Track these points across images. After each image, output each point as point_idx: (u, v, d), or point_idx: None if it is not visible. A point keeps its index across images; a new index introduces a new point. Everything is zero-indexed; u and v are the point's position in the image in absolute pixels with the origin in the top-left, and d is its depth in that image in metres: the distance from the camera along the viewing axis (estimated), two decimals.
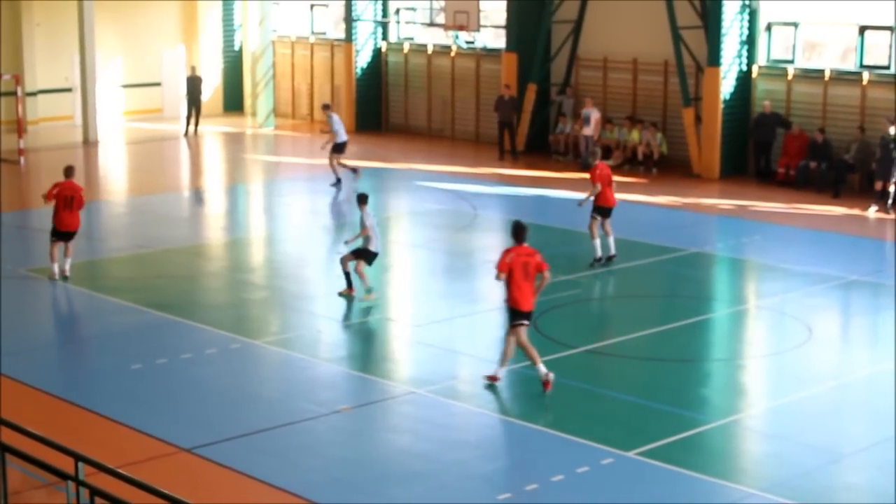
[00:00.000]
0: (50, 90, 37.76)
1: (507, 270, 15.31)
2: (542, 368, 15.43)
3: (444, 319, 18.76)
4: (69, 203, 20.41)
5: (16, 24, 36.74)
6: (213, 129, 38.09)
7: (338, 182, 29.00)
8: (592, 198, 21.49)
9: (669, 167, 30.97)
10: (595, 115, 31.55)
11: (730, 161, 30.05)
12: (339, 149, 29.17)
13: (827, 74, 28.77)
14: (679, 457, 13.43)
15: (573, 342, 17.60)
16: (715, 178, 29.83)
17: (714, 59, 29.48)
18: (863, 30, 28.33)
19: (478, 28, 32.96)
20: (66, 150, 33.69)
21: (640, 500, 12.47)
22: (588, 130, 31.61)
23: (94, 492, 9.26)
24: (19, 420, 10.95)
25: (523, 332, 15.49)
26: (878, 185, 26.50)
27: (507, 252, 15.50)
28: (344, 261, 19.26)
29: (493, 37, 35.39)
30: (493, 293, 19.78)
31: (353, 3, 36.86)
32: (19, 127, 32.59)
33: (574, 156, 32.27)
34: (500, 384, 15.70)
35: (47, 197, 20.62)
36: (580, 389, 15.84)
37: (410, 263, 22.70)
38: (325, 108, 30.27)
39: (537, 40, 33.18)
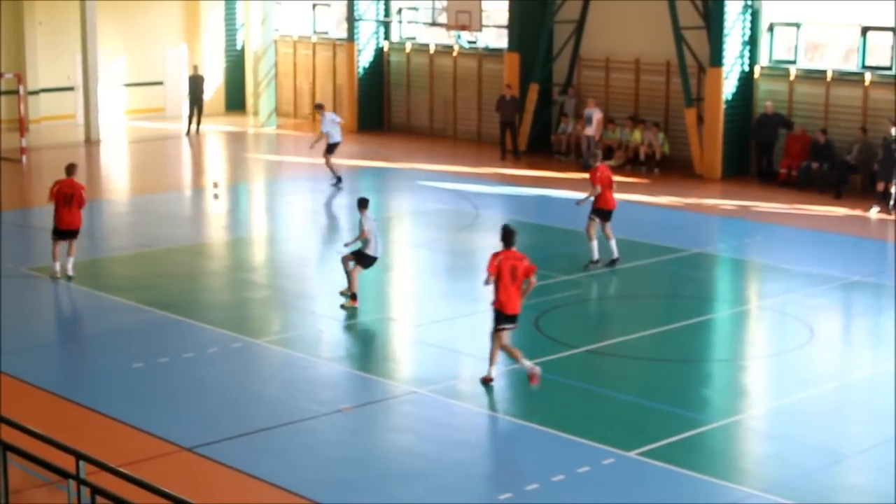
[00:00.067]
0: (52, 89, 37.77)
1: (496, 273, 15.36)
2: (527, 363, 15.51)
3: (446, 319, 18.76)
4: (68, 201, 20.38)
5: (18, 22, 36.75)
6: (215, 129, 38.09)
7: (338, 181, 29.01)
8: (592, 199, 21.41)
9: (671, 167, 30.96)
10: (597, 115, 31.54)
11: (732, 161, 30.05)
12: (329, 149, 29.22)
13: (829, 75, 28.76)
14: (680, 457, 13.42)
15: (574, 342, 17.60)
16: (717, 178, 29.82)
17: (716, 59, 29.48)
18: (865, 30, 28.32)
19: (480, 28, 32.94)
20: (67, 149, 33.70)
21: (641, 501, 12.47)
22: (590, 130, 31.61)
23: (96, 490, 9.27)
24: (20, 418, 10.95)
25: (506, 336, 15.57)
26: (880, 186, 26.48)
27: (495, 255, 15.57)
28: (345, 260, 19.25)
29: (495, 37, 35.38)
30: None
31: (355, 2, 36.86)
32: (21, 126, 32.60)
33: (576, 156, 32.27)
34: (500, 384, 15.70)
35: (49, 196, 20.65)
36: (581, 389, 15.84)
37: (412, 263, 22.70)
38: (318, 107, 30.34)
39: (539, 40, 33.17)
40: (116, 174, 32.22)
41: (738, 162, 30.21)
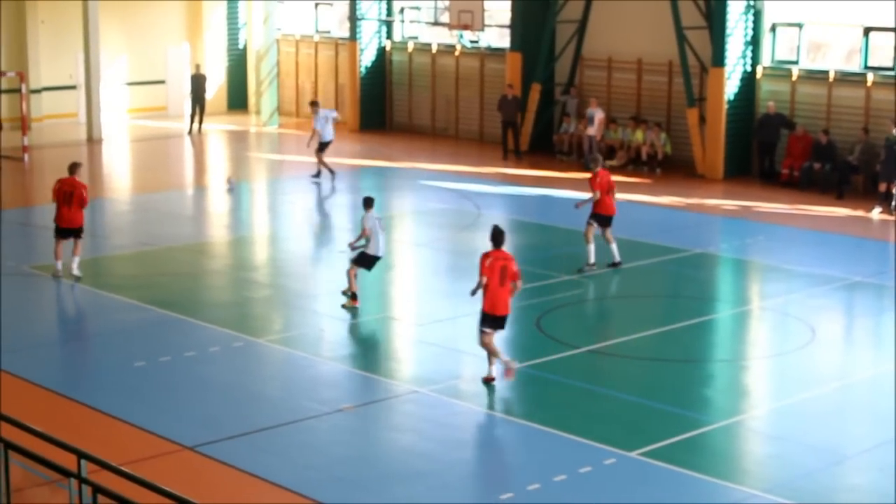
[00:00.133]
0: (54, 87, 37.79)
1: (489, 274, 15.40)
2: (504, 357, 15.62)
3: (447, 318, 18.75)
4: (68, 199, 20.36)
5: (20, 21, 36.77)
6: (217, 128, 38.10)
7: (318, 175, 29.38)
8: (591, 203, 21.29)
9: (673, 167, 30.96)
10: (599, 115, 31.54)
11: (733, 162, 30.04)
12: (320, 147, 29.39)
13: (831, 75, 28.75)
14: (681, 457, 13.42)
15: (576, 342, 17.60)
16: (719, 178, 29.82)
17: (718, 59, 29.47)
18: (867, 31, 28.32)
19: (482, 27, 32.93)
20: (70, 148, 33.71)
21: (643, 501, 12.47)
22: (592, 130, 31.61)
23: (97, 489, 9.27)
24: (22, 417, 10.96)
25: (488, 337, 15.60)
26: (882, 187, 26.48)
27: (485, 256, 15.63)
28: (350, 273, 19.15)
29: (497, 36, 35.38)
30: None
31: (357, 1, 36.85)
32: (23, 124, 32.61)
33: (578, 156, 32.26)
34: (501, 384, 15.71)
35: (52, 195, 20.71)
36: (583, 389, 15.84)
37: (414, 262, 22.71)
38: (312, 105, 30.43)
39: (541, 40, 33.17)
40: (118, 173, 32.23)
41: (739, 162, 30.20)
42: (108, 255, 22.78)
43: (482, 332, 15.64)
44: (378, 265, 19.29)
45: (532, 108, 33.27)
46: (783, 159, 29.30)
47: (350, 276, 18.99)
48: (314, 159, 29.97)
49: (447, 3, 33.33)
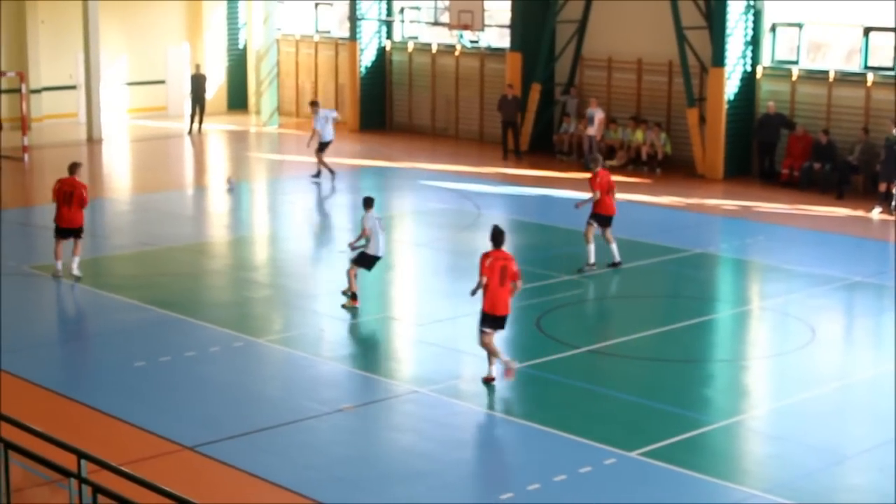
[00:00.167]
0: (54, 87, 37.79)
1: (489, 274, 15.42)
2: (504, 357, 15.62)
3: (447, 318, 18.75)
4: (68, 199, 20.38)
5: (20, 21, 36.77)
6: (217, 128, 38.10)
7: (317, 175, 29.49)
8: (591, 203, 21.26)
9: (673, 167, 30.96)
10: (599, 115, 31.54)
11: (733, 162, 30.04)
12: (321, 147, 29.47)
13: (831, 75, 28.75)
14: (682, 457, 13.42)
15: (576, 342, 17.60)
16: (719, 178, 29.82)
17: (718, 59, 29.47)
18: (867, 31, 28.32)
19: (482, 27, 32.93)
20: (70, 148, 33.71)
21: (643, 501, 12.47)
22: (592, 130, 31.61)
23: (97, 489, 9.27)
24: (22, 417, 10.96)
25: (488, 337, 15.63)
26: (882, 187, 26.48)
27: (485, 256, 15.65)
28: (350, 273, 19.16)
29: (497, 36, 35.38)
30: None
31: (357, 1, 36.85)
32: (23, 124, 32.61)
33: (578, 156, 32.26)
34: (501, 384, 15.71)
35: (52, 195, 20.73)
36: (583, 389, 15.84)
37: (414, 262, 22.71)
38: (312, 105, 30.47)
39: (542, 40, 33.17)
40: (118, 173, 32.23)
41: (739, 162, 30.20)
42: (108, 255, 22.78)
43: (482, 332, 15.65)
44: (378, 265, 19.28)
45: (532, 108, 33.27)
46: (783, 159, 29.30)
47: (350, 277, 18.99)
48: (314, 159, 29.99)
49: (447, 3, 33.33)
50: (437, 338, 17.77)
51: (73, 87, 38.08)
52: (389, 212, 25.95)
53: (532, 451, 13.86)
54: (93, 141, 35.12)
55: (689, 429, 14.32)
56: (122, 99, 39.35)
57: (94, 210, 24.45)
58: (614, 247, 21.32)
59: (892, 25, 27.61)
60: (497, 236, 15.74)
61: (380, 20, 37.34)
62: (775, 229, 24.86)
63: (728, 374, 16.80)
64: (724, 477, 13.03)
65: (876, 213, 26.17)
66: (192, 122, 37.28)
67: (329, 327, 18.44)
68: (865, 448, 13.89)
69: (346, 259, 19.30)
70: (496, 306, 15.55)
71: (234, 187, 28.72)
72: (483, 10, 32.60)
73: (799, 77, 29.36)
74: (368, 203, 18.99)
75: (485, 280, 15.47)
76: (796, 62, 29.58)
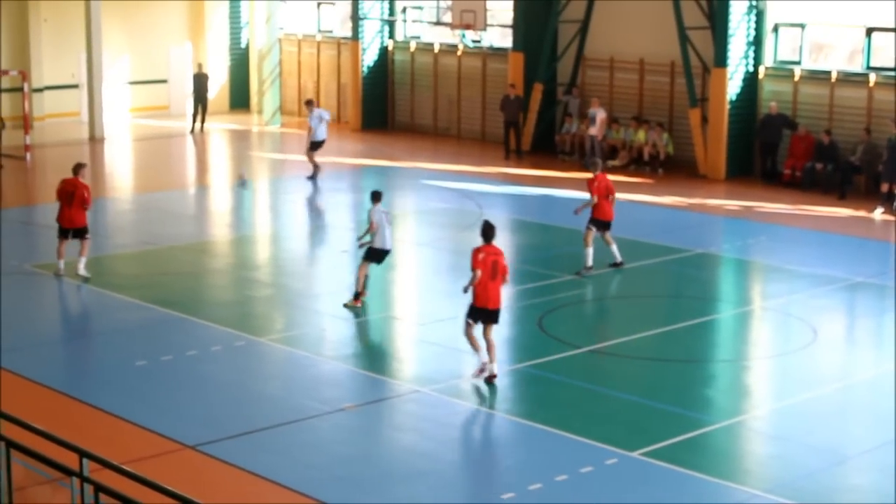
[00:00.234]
0: (56, 86, 37.79)
1: (483, 268, 15.51)
2: (484, 356, 15.68)
3: (449, 318, 18.72)
4: (70, 199, 20.47)
5: (23, 20, 36.78)
6: (220, 127, 38.11)
7: (314, 175, 29.58)
8: (589, 207, 21.21)
9: (675, 168, 30.95)
10: (600, 114, 31.53)
11: (736, 162, 30.03)
12: (313, 146, 29.52)
13: (833, 76, 28.74)
14: (683, 457, 13.42)
15: (578, 342, 17.60)
16: (721, 178, 29.81)
17: (721, 59, 29.46)
18: (870, 31, 28.30)
19: (484, 27, 32.94)
20: (72, 147, 33.72)
21: (644, 501, 12.47)
22: (593, 130, 31.60)
23: (99, 488, 9.28)
24: (24, 416, 10.96)
25: (472, 329, 15.72)
26: (885, 187, 26.47)
27: (478, 250, 15.70)
28: (360, 271, 19.15)
29: (499, 36, 35.37)
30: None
31: (359, 1, 36.85)
32: (25, 123, 32.61)
33: (580, 156, 32.25)
34: (503, 383, 15.72)
35: (56, 194, 20.82)
36: (584, 389, 15.84)
37: (416, 262, 22.71)
38: (308, 104, 30.50)
39: (544, 40, 33.17)
40: (121, 172, 32.24)
41: (742, 162, 30.19)
42: (110, 255, 22.78)
43: (467, 324, 15.74)
44: (380, 265, 19.27)
45: (534, 108, 33.26)
46: (785, 159, 29.29)
47: (360, 275, 18.97)
48: (320, 160, 29.94)
49: (449, 3, 33.33)
50: (439, 337, 17.76)
51: (75, 86, 38.08)
52: (391, 211, 25.88)
53: (533, 450, 13.85)
54: (95, 140, 35.13)
55: (690, 429, 14.32)
56: (124, 98, 39.35)
57: (96, 209, 24.40)
58: (614, 248, 21.30)
59: (894, 26, 27.59)
60: (488, 231, 15.85)
61: (382, 20, 37.34)
62: (777, 229, 24.85)
63: (730, 375, 16.80)
64: (725, 477, 13.03)
65: (878, 214, 26.15)
66: (194, 121, 37.30)
67: (331, 326, 18.44)
68: (867, 448, 13.88)
69: (351, 258, 19.27)
70: (488, 300, 15.63)
71: (246, 183, 28.83)
72: (485, 10, 32.60)
73: (801, 77, 29.35)
74: (376, 197, 19.03)
75: (479, 273, 15.51)
76: (799, 62, 29.56)
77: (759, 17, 29.70)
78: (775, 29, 29.86)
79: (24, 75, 33.29)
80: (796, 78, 29.39)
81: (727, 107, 29.57)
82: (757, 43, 29.80)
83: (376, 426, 14.56)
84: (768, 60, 29.94)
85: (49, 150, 33.31)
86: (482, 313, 15.68)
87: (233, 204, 28.00)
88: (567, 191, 27.97)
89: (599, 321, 19.74)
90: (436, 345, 17.49)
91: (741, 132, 29.96)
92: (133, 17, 38.97)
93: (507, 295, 19.63)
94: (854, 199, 27.39)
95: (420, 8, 36.78)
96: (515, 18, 33.61)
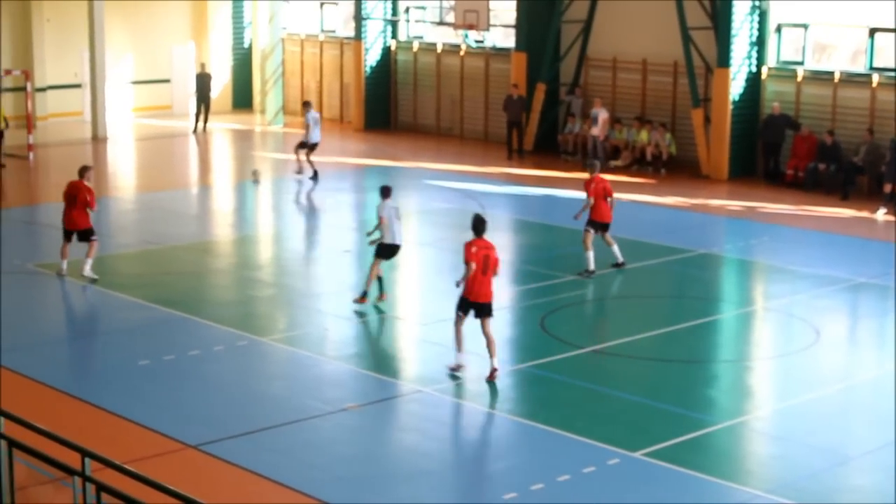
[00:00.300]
0: (59, 86, 37.83)
1: (476, 260, 15.62)
2: (463, 353, 15.85)
3: (451, 318, 18.67)
4: (72, 201, 20.55)
5: (26, 19, 36.81)
6: (222, 127, 38.13)
7: (298, 169, 29.68)
8: (587, 210, 21.18)
9: (678, 168, 30.95)
10: (602, 114, 31.53)
11: (738, 162, 30.03)
12: (301, 145, 29.68)
13: (836, 76, 28.73)
14: (685, 458, 13.42)
15: (580, 342, 17.60)
16: (723, 179, 29.80)
17: (724, 60, 29.45)
18: (873, 32, 28.29)
19: (487, 27, 32.94)
20: (74, 147, 33.75)
21: (646, 501, 12.47)
22: (595, 130, 31.60)
23: (101, 487, 9.28)
24: (26, 415, 10.96)
25: (461, 322, 15.88)
26: (887, 188, 26.46)
27: (470, 244, 15.81)
28: (372, 268, 19.14)
29: (502, 36, 35.38)
30: (501, 292, 19.79)
31: (362, 1, 36.86)
32: (28, 122, 32.65)
33: (582, 156, 32.23)
34: (505, 383, 15.72)
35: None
36: (587, 389, 15.84)
37: (418, 262, 22.70)
38: (305, 105, 30.55)
39: (547, 40, 33.17)
40: (123, 171, 32.26)
41: (744, 163, 30.19)
42: (112, 254, 22.79)
43: (457, 317, 15.88)
44: (382, 264, 19.26)
45: (537, 108, 33.27)
46: (788, 160, 29.28)
47: (370, 273, 18.95)
48: (318, 159, 29.99)
49: (452, 3, 33.34)
50: (441, 337, 17.73)
51: (78, 86, 38.11)
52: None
53: (536, 450, 13.85)
54: (98, 139, 35.14)
55: (692, 429, 14.32)
56: (127, 98, 39.38)
57: (98, 209, 24.44)
58: (615, 248, 21.29)
59: None
60: (478, 225, 15.96)
61: (385, 20, 37.34)
62: (780, 230, 24.85)
63: (732, 375, 16.79)
64: (727, 477, 13.03)
65: (881, 214, 26.15)
66: (196, 120, 37.33)
67: (333, 326, 18.45)
68: (869, 449, 13.88)
69: (354, 258, 19.27)
70: (479, 294, 15.71)
71: (259, 180, 28.96)
72: (488, 10, 32.61)
73: (804, 78, 29.34)
74: (386, 192, 19.04)
75: (473, 266, 15.56)
76: (801, 63, 29.56)
77: (762, 17, 29.69)
78: (778, 29, 29.85)
79: (27, 75, 33.32)
80: (799, 78, 29.38)
81: (730, 107, 29.56)
82: (760, 43, 29.79)
83: (379, 426, 14.56)
84: (771, 61, 29.93)
85: (52, 149, 33.34)
86: (474, 307, 15.78)
87: (235, 204, 28.00)
88: (570, 191, 27.94)
89: (602, 321, 19.74)
90: (438, 345, 17.47)
91: (744, 132, 29.95)
92: (136, 16, 39.01)
93: (509, 295, 19.71)
94: (857, 200, 27.38)
95: (423, 8, 36.79)
96: (518, 18, 33.61)
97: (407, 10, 37.57)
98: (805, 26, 29.49)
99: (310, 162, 29.62)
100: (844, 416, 15.12)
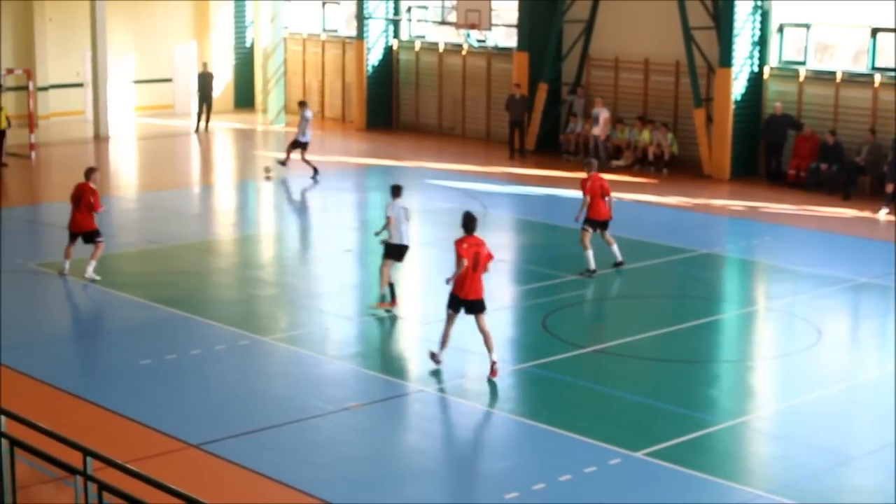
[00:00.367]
0: (61, 85, 37.84)
1: (468, 256, 15.73)
2: (443, 349, 16.00)
3: None
4: (77, 203, 20.59)
5: (28, 19, 36.83)
6: (224, 126, 38.14)
7: (284, 164, 29.80)
8: (585, 209, 21.15)
9: (680, 168, 30.94)
10: (604, 114, 31.53)
11: (740, 162, 30.02)
12: (295, 143, 29.71)
13: (838, 76, 28.72)
14: (687, 458, 13.42)
15: (581, 342, 17.60)
16: (725, 179, 29.80)
17: (726, 59, 29.45)
18: (875, 32, 28.28)
19: (489, 27, 32.95)
20: (76, 146, 33.76)
21: (648, 501, 12.47)
22: (596, 130, 31.60)
23: (103, 487, 9.29)
24: (28, 414, 10.97)
25: (451, 320, 15.98)
26: (889, 188, 26.45)
27: (461, 241, 15.91)
28: (382, 270, 19.11)
29: (504, 36, 35.38)
30: (502, 292, 19.81)
31: (364, 0, 36.87)
32: (30, 121, 32.67)
33: (584, 155, 32.20)
34: (506, 383, 15.72)
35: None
36: (588, 389, 15.84)
37: (420, 261, 22.69)
38: (301, 105, 30.56)
39: (549, 40, 33.16)
40: (125, 171, 32.26)
41: (746, 163, 30.18)
42: (114, 253, 22.78)
43: (448, 315, 15.95)
44: (394, 267, 19.19)
45: (539, 108, 33.27)
46: (790, 160, 29.27)
47: (382, 274, 18.93)
48: (320, 158, 30.01)
49: (454, 3, 33.34)
50: None
51: (80, 85, 38.14)
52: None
53: (537, 450, 13.85)
54: (100, 139, 35.16)
55: (694, 429, 14.32)
56: (129, 97, 39.40)
57: (105, 209, 24.47)
58: (615, 248, 21.28)
59: None
60: (469, 222, 16.08)
61: (387, 19, 37.35)
62: (782, 230, 24.84)
63: (734, 375, 16.79)
64: (729, 477, 13.03)
65: (883, 215, 26.14)
66: (198, 120, 37.34)
67: (335, 326, 18.45)
68: (871, 449, 13.88)
69: (356, 257, 19.26)
70: (470, 291, 15.77)
71: (272, 177, 29.04)
72: (490, 10, 32.61)
73: (806, 78, 29.33)
74: (396, 191, 19.03)
75: (465, 263, 15.59)
76: (804, 63, 29.55)
77: (764, 17, 29.69)
78: (780, 29, 29.85)
79: (29, 74, 33.34)
80: (801, 78, 29.38)
81: (732, 107, 29.56)
82: (762, 43, 29.78)
83: (381, 426, 14.56)
84: (773, 61, 29.92)
85: (54, 148, 33.35)
86: (465, 304, 15.83)
87: (237, 203, 27.99)
88: (571, 191, 27.91)
89: (603, 321, 19.73)
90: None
91: (746, 132, 29.95)
92: (138, 15, 39.02)
93: (510, 294, 19.71)
94: (859, 200, 27.38)
95: (425, 7, 36.80)
96: (520, 18, 33.61)
97: (409, 9, 37.57)
98: (807, 26, 29.48)
99: (306, 161, 29.61)
100: (846, 416, 15.12)
